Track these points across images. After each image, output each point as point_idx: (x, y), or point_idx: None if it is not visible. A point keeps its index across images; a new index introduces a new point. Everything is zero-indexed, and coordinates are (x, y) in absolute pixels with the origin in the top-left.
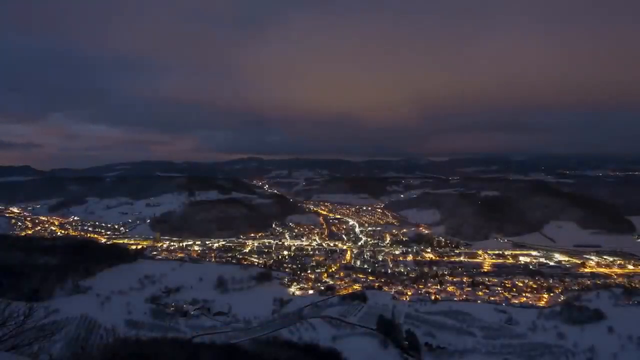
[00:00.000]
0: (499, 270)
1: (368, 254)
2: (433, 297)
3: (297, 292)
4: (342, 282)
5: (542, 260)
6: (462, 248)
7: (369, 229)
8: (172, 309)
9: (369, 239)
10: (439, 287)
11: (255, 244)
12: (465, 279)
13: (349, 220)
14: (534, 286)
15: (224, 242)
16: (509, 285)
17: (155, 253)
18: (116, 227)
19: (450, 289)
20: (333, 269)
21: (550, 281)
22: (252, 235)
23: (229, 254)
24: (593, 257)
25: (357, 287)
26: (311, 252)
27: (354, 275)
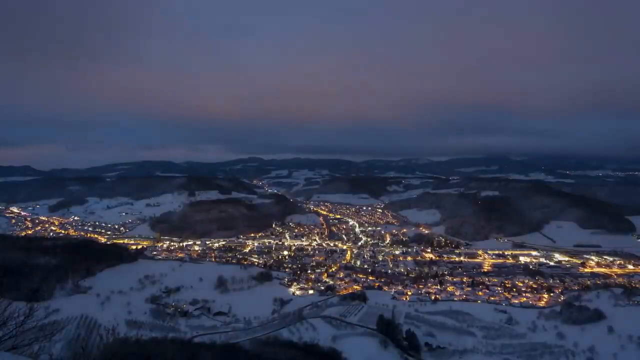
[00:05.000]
0: (499, 270)
1: (368, 254)
2: (433, 297)
3: (297, 292)
4: (342, 282)
5: (542, 260)
6: (462, 248)
7: (369, 229)
8: (172, 309)
9: (369, 239)
10: (439, 287)
11: (255, 244)
12: (465, 279)
13: (349, 220)
14: (534, 286)
15: (224, 242)
16: (509, 285)
17: (155, 253)
18: (116, 227)
19: (450, 289)
20: (333, 269)
21: (550, 281)
22: (252, 235)
23: (229, 254)
24: (593, 257)
25: (357, 287)
26: (311, 252)
27: (354, 275)
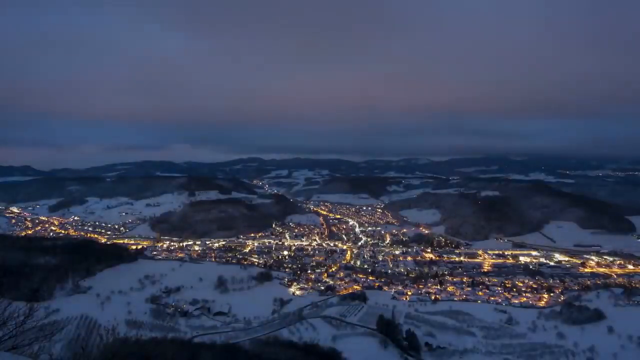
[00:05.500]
0: (499, 270)
1: (368, 254)
2: (433, 297)
3: (297, 292)
4: (342, 282)
5: (542, 260)
6: (462, 248)
7: (369, 229)
8: (172, 309)
9: (369, 239)
10: (439, 287)
11: (255, 244)
12: (465, 279)
13: (349, 220)
14: (534, 286)
15: (224, 242)
16: (509, 285)
17: (155, 253)
18: (116, 227)
19: (450, 289)
20: (333, 269)
21: (550, 281)
22: (252, 235)
23: (229, 254)
24: (593, 257)
25: (357, 287)
26: (311, 252)
27: (354, 275)
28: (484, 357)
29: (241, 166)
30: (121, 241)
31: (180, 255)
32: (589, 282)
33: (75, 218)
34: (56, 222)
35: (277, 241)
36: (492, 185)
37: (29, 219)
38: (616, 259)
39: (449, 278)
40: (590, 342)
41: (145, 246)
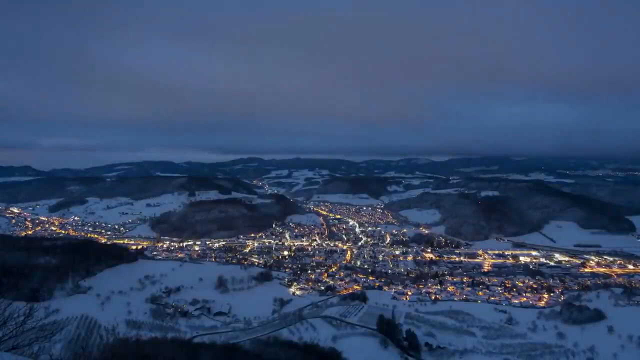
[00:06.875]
0: (499, 270)
1: (368, 254)
2: (433, 297)
3: (297, 292)
4: (342, 282)
5: (542, 260)
6: (462, 248)
7: (369, 229)
8: (172, 309)
9: (369, 239)
10: (439, 287)
11: (256, 244)
12: (465, 279)
13: (349, 220)
14: (534, 286)
15: (224, 242)
16: (509, 285)
17: (155, 253)
18: (116, 227)
19: (450, 289)
20: (333, 269)
21: (550, 281)
22: (252, 235)
23: (229, 254)
24: (593, 257)
25: (357, 287)
26: (311, 252)
27: (354, 275)
28: (484, 357)
29: (241, 166)
30: (121, 241)
31: (180, 255)
32: (589, 282)
33: (75, 218)
34: (56, 222)
35: (277, 241)
36: (492, 185)
37: (29, 219)
38: (616, 259)
39: (449, 278)
40: (590, 342)
41: (145, 246)
